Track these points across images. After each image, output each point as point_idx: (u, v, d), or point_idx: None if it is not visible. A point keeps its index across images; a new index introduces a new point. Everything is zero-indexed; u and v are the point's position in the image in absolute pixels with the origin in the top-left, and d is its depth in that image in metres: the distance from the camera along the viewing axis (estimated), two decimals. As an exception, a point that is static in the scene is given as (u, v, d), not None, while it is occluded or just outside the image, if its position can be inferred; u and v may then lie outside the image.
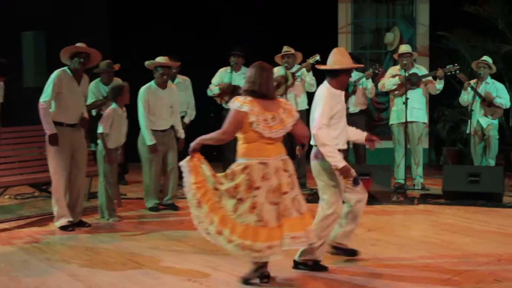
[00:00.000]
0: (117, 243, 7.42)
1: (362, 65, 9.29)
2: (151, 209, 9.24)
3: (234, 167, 5.71)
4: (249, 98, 5.72)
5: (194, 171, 5.77)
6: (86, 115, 8.35)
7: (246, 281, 5.86)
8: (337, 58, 6.40)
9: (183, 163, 5.82)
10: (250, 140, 5.70)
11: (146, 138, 9.09)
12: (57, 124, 7.98)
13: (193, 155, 5.82)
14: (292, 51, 10.85)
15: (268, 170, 5.63)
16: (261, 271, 5.84)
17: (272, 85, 5.88)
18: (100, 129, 8.47)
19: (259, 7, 13.94)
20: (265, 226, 5.58)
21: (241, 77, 11.13)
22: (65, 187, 8.13)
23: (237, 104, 5.68)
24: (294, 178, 5.79)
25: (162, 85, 9.24)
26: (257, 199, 5.58)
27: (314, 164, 6.26)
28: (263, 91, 5.74)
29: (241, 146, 5.77)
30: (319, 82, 10.77)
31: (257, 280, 5.84)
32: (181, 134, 9.49)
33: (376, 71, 10.72)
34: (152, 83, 9.26)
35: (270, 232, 5.58)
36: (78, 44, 8.20)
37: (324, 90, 6.30)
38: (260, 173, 5.61)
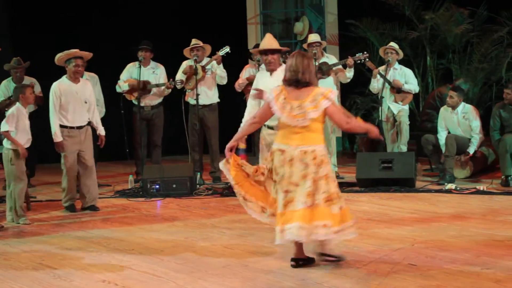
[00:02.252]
0: (27, 247, 7.19)
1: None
2: (67, 208, 8.97)
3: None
4: (280, 87, 5.89)
5: (233, 171, 6.00)
6: None
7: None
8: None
9: (221, 166, 6.12)
10: (281, 127, 5.90)
11: (53, 135, 8.79)
12: None
13: (228, 156, 6.05)
14: (201, 43, 10.74)
15: (283, 158, 5.75)
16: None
17: (313, 72, 5.96)
18: (5, 127, 8.21)
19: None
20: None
21: (149, 72, 10.99)
22: None
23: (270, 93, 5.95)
24: (312, 171, 5.73)
25: (75, 79, 8.96)
26: (277, 184, 5.82)
27: None
28: (305, 79, 5.82)
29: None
30: (229, 74, 10.88)
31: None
32: (101, 130, 9.24)
33: (286, 60, 10.67)
34: (63, 78, 8.95)
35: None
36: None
37: None
38: (279, 159, 5.78)
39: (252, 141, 10.50)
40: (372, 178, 10.02)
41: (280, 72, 7.05)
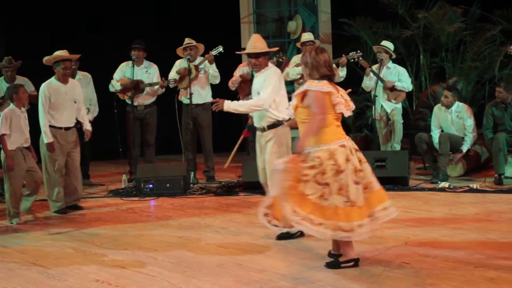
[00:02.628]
0: (21, 247, 7.18)
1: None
2: (57, 212, 8.92)
3: (318, 154, 5.69)
4: (324, 81, 5.80)
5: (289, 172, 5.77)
6: None
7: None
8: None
9: (277, 165, 5.91)
10: (327, 124, 5.73)
11: (44, 136, 8.77)
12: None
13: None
14: (194, 43, 10.72)
15: (347, 152, 5.72)
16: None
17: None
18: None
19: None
20: (353, 205, 5.66)
21: (143, 71, 10.97)
22: None
23: (318, 86, 5.75)
24: (361, 154, 5.87)
25: (64, 80, 8.94)
26: (343, 181, 5.64)
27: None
28: (332, 72, 5.94)
29: None
30: (222, 74, 10.87)
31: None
32: (87, 125, 9.23)
33: (280, 60, 10.70)
34: (52, 79, 8.91)
35: (359, 211, 5.68)
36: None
37: None
38: (343, 156, 5.68)
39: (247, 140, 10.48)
40: (365, 177, 10.01)
41: (272, 72, 7.04)
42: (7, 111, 8.31)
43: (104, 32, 13.45)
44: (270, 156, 6.95)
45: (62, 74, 8.86)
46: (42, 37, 12.88)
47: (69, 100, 8.94)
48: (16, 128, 8.29)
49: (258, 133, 7.22)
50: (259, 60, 7.08)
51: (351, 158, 5.71)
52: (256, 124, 7.15)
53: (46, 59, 8.86)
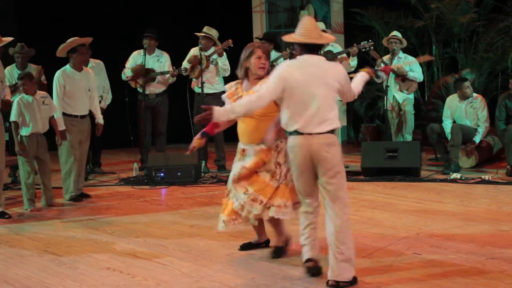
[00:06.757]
0: (32, 234, 7.21)
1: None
2: (71, 199, 8.89)
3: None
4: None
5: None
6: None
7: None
8: None
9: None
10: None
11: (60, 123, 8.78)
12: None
13: None
14: (209, 33, 10.67)
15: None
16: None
17: None
18: (11, 118, 8.32)
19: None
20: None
21: (154, 60, 10.98)
22: None
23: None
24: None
25: (79, 68, 8.92)
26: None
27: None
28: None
29: None
30: (233, 64, 10.82)
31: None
32: (100, 119, 9.24)
33: (293, 52, 10.65)
34: (67, 66, 8.91)
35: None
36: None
37: None
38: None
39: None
40: (377, 167, 10.02)
41: None
42: (17, 98, 8.38)
43: (116, 21, 13.44)
44: None
45: (78, 61, 8.87)
46: (54, 25, 12.87)
47: (83, 88, 8.95)
48: (29, 116, 8.30)
49: None
50: None
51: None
52: None
53: (60, 48, 8.82)
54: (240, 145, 5.98)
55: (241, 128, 5.91)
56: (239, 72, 5.94)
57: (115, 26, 13.33)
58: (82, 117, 8.97)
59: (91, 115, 9.18)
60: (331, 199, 5.15)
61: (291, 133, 5.24)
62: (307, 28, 5.21)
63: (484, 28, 12.91)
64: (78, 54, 8.82)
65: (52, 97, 8.64)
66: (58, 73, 8.86)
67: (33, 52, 10.38)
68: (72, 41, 8.82)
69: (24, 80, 8.42)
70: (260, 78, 5.80)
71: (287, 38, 5.33)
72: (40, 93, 8.52)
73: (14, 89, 9.21)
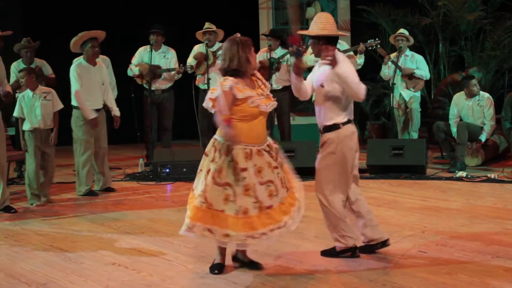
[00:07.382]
0: (39, 229, 7.22)
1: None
2: (85, 194, 8.91)
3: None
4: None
5: None
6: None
7: None
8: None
9: None
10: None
11: (86, 113, 8.77)
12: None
13: None
14: (214, 28, 10.70)
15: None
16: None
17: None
18: (15, 113, 8.40)
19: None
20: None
21: (160, 56, 10.97)
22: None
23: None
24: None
25: (92, 61, 8.94)
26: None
27: None
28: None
29: None
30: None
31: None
32: (116, 111, 9.25)
33: (300, 48, 10.62)
34: (81, 60, 8.94)
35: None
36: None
37: None
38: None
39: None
40: (382, 165, 10.01)
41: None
42: (21, 94, 8.45)
43: (123, 16, 13.44)
44: None
45: (91, 54, 8.88)
46: (60, 20, 12.89)
47: (97, 82, 8.98)
48: (26, 110, 8.32)
49: None
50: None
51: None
52: None
53: (73, 41, 8.80)
54: (242, 147, 5.59)
55: (250, 126, 5.60)
56: (231, 64, 5.67)
57: (121, 21, 13.32)
58: (97, 110, 8.97)
59: (105, 109, 9.18)
60: (357, 182, 5.85)
61: (346, 123, 5.65)
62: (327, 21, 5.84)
63: (491, 26, 12.89)
64: (90, 48, 8.83)
65: (56, 93, 8.61)
66: (74, 66, 8.89)
67: (38, 44, 10.37)
68: (85, 34, 8.83)
69: (23, 74, 8.44)
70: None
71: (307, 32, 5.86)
72: (43, 89, 8.52)
73: (18, 85, 9.22)
